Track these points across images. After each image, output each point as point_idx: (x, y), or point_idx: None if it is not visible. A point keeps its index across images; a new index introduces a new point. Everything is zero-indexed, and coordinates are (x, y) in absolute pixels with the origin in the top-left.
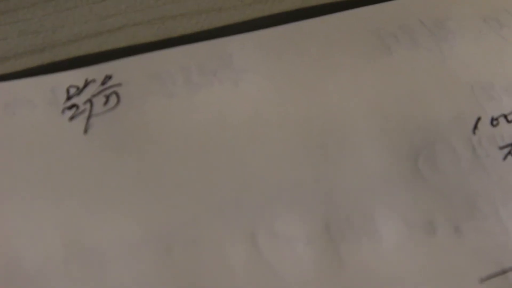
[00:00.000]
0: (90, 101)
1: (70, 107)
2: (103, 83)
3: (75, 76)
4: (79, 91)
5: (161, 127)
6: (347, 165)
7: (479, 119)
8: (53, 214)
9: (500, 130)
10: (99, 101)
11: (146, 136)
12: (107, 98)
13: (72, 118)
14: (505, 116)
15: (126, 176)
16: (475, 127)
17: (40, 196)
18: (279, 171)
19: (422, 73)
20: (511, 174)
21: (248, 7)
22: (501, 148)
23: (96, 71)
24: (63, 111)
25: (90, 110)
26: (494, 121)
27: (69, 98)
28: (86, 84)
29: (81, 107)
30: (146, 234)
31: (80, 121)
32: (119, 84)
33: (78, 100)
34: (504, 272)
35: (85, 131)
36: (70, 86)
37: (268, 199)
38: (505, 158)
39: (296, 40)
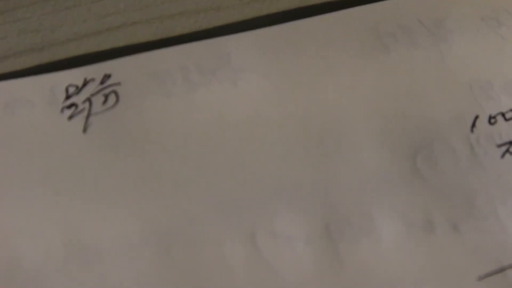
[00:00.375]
0: (89, 100)
1: (69, 106)
2: (102, 82)
3: (74, 75)
4: (78, 90)
5: (160, 126)
6: (346, 165)
7: (477, 117)
8: (53, 213)
9: (498, 128)
10: (98, 100)
11: (145, 135)
12: (106, 97)
13: (71, 117)
14: (503, 114)
15: (125, 175)
16: (473, 125)
17: (40, 195)
18: (279, 170)
19: (421, 72)
20: (509, 172)
21: (247, 6)
22: (499, 146)
23: (95, 70)
24: (62, 110)
25: (89, 109)
26: (491, 119)
27: (68, 97)
28: (85, 83)
29: (80, 106)
30: (145, 233)
31: (79, 120)
32: (118, 83)
33: (77, 99)
34: (502, 270)
35: (84, 130)
36: (69, 85)
37: (267, 199)
38: (503, 156)
39: (295, 39)
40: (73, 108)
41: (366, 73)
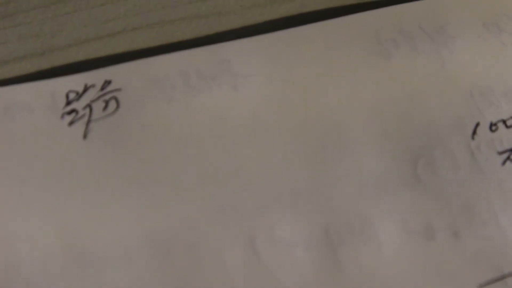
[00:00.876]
0: (89, 106)
1: (69, 112)
2: (102, 88)
3: (75, 81)
4: (79, 96)
5: (161, 131)
6: (346, 170)
7: (478, 124)
8: (52, 218)
9: (499, 135)
10: (98, 106)
11: (145, 141)
12: (107, 103)
13: (71, 123)
14: (504, 122)
15: (125, 180)
16: (474, 132)
17: (39, 200)
18: (278, 175)
19: (422, 78)
20: (509, 179)
21: (248, 12)
22: (500, 153)
23: (96, 76)
24: (62, 116)
25: (90, 115)
26: (493, 126)
27: (68, 103)
28: (86, 89)
29: (81, 112)
30: (144, 238)
31: (80, 126)
32: (118, 89)
33: (78, 105)
34: (502, 277)
35: (85, 136)
36: (70, 91)
37: (267, 204)
38: (503, 163)
39: (295, 45)
40: (73, 114)
41: (367, 78)
